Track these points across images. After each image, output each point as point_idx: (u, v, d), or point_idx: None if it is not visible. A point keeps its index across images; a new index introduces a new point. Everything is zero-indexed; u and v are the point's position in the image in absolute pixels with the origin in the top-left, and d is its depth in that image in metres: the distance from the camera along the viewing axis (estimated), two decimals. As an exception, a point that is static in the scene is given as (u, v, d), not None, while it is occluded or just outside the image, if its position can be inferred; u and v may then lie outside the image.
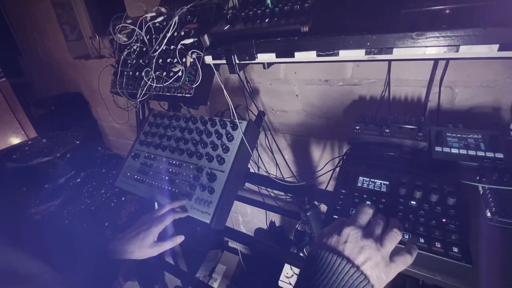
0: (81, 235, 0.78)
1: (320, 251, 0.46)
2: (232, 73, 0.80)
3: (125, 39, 1.01)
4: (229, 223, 0.88)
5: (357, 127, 0.83)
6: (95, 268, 0.71)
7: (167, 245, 0.77)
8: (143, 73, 0.93)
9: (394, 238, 0.47)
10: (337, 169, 0.81)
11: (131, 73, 1.00)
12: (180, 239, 0.80)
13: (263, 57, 0.71)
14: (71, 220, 1.45)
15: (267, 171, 1.45)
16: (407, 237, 0.56)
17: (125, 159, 1.05)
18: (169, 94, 0.92)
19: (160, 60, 0.92)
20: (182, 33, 0.90)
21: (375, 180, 0.68)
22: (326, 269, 0.44)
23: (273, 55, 0.69)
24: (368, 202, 0.60)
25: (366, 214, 0.50)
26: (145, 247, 0.74)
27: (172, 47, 0.91)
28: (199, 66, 0.84)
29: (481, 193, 0.60)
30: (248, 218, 2.10)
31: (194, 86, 0.87)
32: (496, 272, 0.49)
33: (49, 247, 0.66)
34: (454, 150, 0.70)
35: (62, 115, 2.41)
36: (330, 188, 0.82)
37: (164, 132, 1.02)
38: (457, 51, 0.51)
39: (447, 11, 0.51)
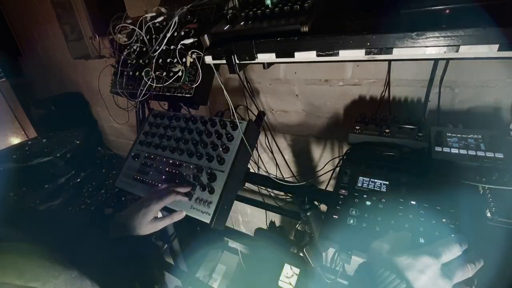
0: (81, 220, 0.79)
1: (380, 268, 0.38)
2: (232, 73, 0.79)
3: (125, 39, 1.01)
4: (229, 223, 0.88)
5: (357, 127, 0.83)
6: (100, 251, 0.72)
7: (166, 221, 0.80)
8: (143, 73, 0.93)
9: None
10: (337, 169, 0.81)
11: (131, 73, 1.00)
12: (180, 215, 0.82)
13: (263, 57, 0.71)
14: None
15: (267, 171, 1.45)
16: (407, 237, 0.56)
17: (125, 159, 1.05)
18: (169, 94, 0.92)
19: (160, 60, 0.92)
20: (182, 33, 0.90)
21: (375, 180, 0.68)
22: None
23: (273, 55, 0.69)
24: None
25: (453, 255, 0.42)
26: (145, 223, 0.77)
27: (172, 47, 0.91)
28: (199, 66, 0.84)
29: (481, 193, 0.60)
30: (248, 218, 2.10)
31: (194, 86, 0.87)
32: (496, 272, 0.49)
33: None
34: (454, 150, 0.70)
35: (62, 115, 2.41)
36: (330, 188, 0.82)
37: (164, 132, 1.01)
38: (457, 51, 0.51)
39: (447, 11, 0.51)
